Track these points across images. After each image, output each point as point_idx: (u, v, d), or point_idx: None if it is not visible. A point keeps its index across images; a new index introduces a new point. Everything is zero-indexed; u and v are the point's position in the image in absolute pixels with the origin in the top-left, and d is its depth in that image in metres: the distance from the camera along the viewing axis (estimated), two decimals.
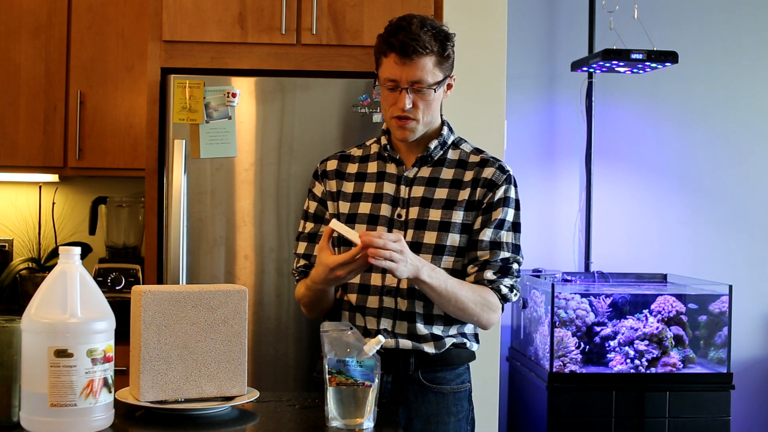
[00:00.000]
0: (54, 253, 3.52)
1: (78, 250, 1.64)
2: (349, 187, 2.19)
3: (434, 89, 2.07)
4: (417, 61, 2.02)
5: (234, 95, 2.91)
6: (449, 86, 2.14)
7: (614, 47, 3.75)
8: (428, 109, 2.08)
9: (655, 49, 3.77)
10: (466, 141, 2.22)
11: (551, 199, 4.18)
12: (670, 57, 3.72)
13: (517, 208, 2.15)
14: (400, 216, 2.12)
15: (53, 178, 3.58)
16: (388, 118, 2.11)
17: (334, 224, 1.95)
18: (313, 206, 2.23)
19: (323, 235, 1.99)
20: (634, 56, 3.70)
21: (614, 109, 4.19)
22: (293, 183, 2.93)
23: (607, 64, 3.80)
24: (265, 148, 2.94)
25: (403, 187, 2.14)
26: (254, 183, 2.94)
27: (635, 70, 3.91)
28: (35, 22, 3.35)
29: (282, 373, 2.93)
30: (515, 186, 2.16)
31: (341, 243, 2.15)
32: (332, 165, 2.24)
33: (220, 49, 3.00)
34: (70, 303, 1.58)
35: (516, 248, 2.14)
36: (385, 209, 2.13)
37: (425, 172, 2.15)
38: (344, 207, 2.17)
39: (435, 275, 2.01)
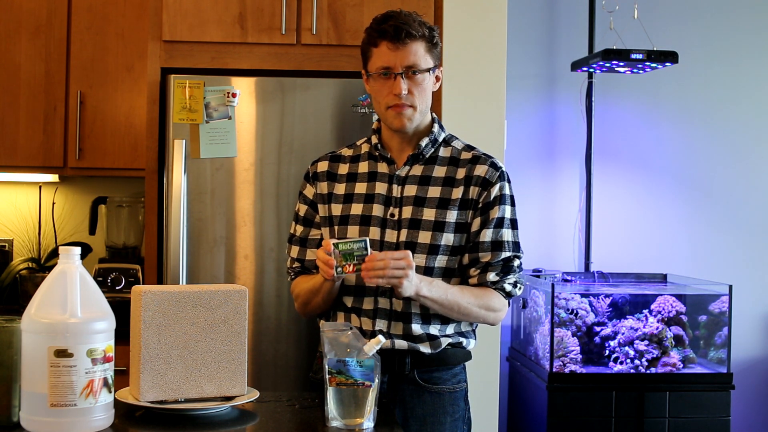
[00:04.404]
0: (54, 253, 3.52)
1: (78, 250, 1.64)
2: (340, 188, 2.18)
3: (428, 73, 2.08)
4: (410, 44, 2.04)
5: (234, 95, 2.91)
6: (437, 78, 2.14)
7: (614, 47, 3.75)
8: (422, 95, 2.09)
9: (655, 49, 3.77)
10: (457, 138, 2.22)
11: (551, 199, 4.18)
12: (670, 57, 3.72)
13: (513, 204, 2.16)
14: (393, 215, 2.11)
15: (53, 178, 3.58)
16: (383, 109, 2.11)
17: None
18: (303, 209, 2.23)
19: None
20: (634, 56, 3.70)
21: (614, 109, 4.19)
22: (293, 183, 2.93)
23: (607, 64, 3.80)
24: (265, 148, 2.94)
25: (395, 186, 2.14)
26: (254, 183, 2.94)
27: (635, 70, 3.91)
28: (35, 22, 3.35)
29: (282, 373, 2.93)
30: (509, 182, 2.16)
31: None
32: (323, 166, 2.23)
33: (220, 49, 3.00)
34: (70, 303, 1.58)
35: (516, 246, 2.14)
36: (377, 209, 2.12)
37: (417, 170, 2.15)
38: (336, 209, 2.16)
39: (434, 288, 2.02)
